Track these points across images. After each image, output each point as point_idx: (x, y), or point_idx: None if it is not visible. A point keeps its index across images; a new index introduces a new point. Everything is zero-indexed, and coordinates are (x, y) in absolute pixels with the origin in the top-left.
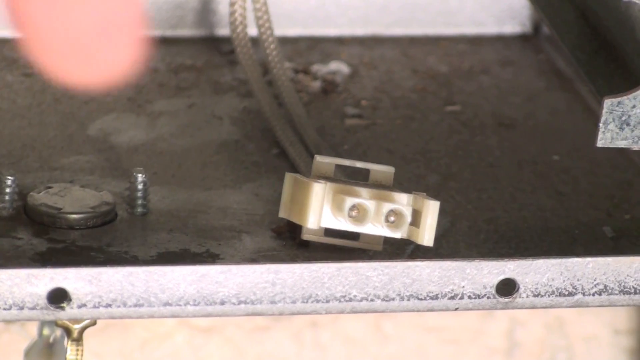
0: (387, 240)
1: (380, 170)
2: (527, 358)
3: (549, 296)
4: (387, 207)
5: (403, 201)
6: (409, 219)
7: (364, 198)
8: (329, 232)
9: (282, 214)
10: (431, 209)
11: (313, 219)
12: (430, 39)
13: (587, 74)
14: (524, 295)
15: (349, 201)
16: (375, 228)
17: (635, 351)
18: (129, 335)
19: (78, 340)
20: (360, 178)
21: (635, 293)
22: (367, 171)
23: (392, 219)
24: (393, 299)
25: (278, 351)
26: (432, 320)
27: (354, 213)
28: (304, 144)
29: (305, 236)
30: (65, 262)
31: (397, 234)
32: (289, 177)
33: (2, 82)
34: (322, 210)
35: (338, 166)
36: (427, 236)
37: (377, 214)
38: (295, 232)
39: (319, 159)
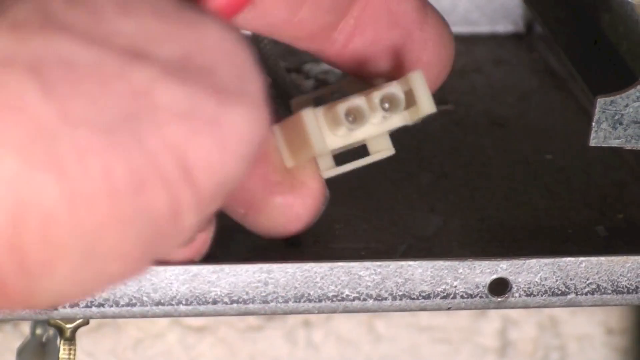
0: (379, 239)
1: (356, 79)
2: (520, 357)
3: (541, 296)
4: (377, 95)
5: (391, 85)
6: (402, 97)
7: (353, 98)
8: (339, 161)
9: (289, 163)
10: (417, 79)
11: (318, 142)
12: None
13: (580, 73)
14: (517, 294)
15: (342, 107)
16: (376, 126)
17: (628, 351)
18: (121, 335)
19: (71, 339)
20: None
21: (628, 292)
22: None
23: (387, 105)
24: (385, 299)
25: (271, 351)
26: (425, 320)
27: (351, 118)
28: None
29: (325, 173)
30: None
31: (399, 120)
32: (276, 128)
33: None
34: (322, 132)
35: (318, 100)
36: (426, 104)
37: (372, 108)
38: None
39: (296, 99)
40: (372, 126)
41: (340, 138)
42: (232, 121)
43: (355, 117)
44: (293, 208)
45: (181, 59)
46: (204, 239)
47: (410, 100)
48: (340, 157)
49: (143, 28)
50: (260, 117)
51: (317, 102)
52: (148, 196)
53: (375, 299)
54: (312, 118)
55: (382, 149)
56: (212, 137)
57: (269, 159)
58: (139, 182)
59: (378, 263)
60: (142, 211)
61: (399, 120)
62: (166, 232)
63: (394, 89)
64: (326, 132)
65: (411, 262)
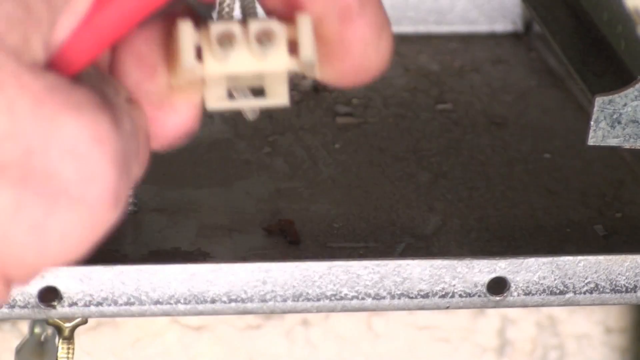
0: (378, 238)
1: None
2: (519, 356)
3: (540, 294)
4: (254, 25)
5: (272, 21)
6: (279, 34)
7: (230, 23)
8: (233, 98)
9: (172, 80)
10: (303, 23)
11: (187, 59)
12: (421, 37)
13: (578, 72)
14: (515, 293)
15: (215, 28)
16: (255, 61)
17: (627, 350)
18: (120, 334)
19: (69, 338)
20: None
21: (626, 291)
22: None
23: (265, 41)
24: (384, 298)
25: (269, 349)
26: (424, 319)
27: (225, 43)
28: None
29: (209, 104)
30: None
31: (283, 63)
32: (171, 41)
33: None
34: (193, 49)
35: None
36: (305, 51)
37: (247, 38)
38: (287, 231)
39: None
40: (250, 59)
41: (219, 63)
42: (58, 228)
43: (229, 43)
44: (151, 124)
45: (19, 159)
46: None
47: (295, 47)
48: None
49: None
50: (96, 221)
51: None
52: None
53: (373, 298)
54: (187, 32)
55: (276, 95)
56: (31, 239)
57: (153, 68)
58: None
59: (376, 262)
60: None
61: (282, 62)
62: None
63: (272, 25)
64: (206, 53)
65: (410, 261)
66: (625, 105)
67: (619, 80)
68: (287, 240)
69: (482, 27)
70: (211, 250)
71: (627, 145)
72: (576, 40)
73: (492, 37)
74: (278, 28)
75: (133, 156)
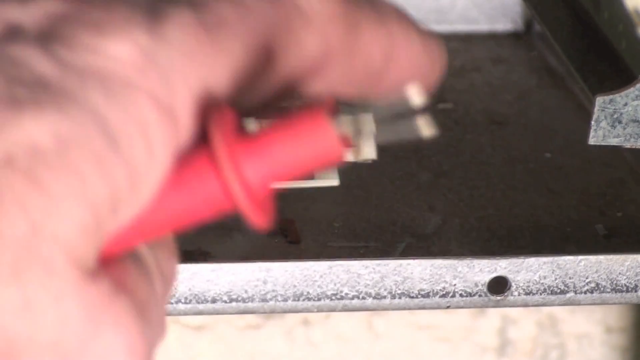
0: (378, 238)
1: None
2: (520, 356)
3: (540, 294)
4: None
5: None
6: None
7: None
8: None
9: None
10: (366, 122)
11: None
12: None
13: (579, 72)
14: (516, 293)
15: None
16: None
17: (628, 349)
18: None
19: None
20: None
21: (627, 291)
22: None
23: None
24: (384, 297)
25: (270, 349)
26: (424, 318)
27: None
28: None
29: None
30: None
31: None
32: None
33: None
34: None
35: None
36: (367, 150)
37: None
38: (288, 231)
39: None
40: None
41: None
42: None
43: None
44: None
45: None
46: None
47: (356, 139)
48: None
49: None
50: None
51: None
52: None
53: (374, 298)
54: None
55: (327, 178)
56: None
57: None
58: None
59: (377, 261)
60: None
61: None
62: None
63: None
64: None
65: (410, 261)
66: (625, 104)
67: (619, 80)
68: (287, 240)
69: (483, 26)
70: (212, 250)
71: (627, 145)
72: (576, 39)
73: (492, 37)
74: (346, 125)
75: (158, 339)
